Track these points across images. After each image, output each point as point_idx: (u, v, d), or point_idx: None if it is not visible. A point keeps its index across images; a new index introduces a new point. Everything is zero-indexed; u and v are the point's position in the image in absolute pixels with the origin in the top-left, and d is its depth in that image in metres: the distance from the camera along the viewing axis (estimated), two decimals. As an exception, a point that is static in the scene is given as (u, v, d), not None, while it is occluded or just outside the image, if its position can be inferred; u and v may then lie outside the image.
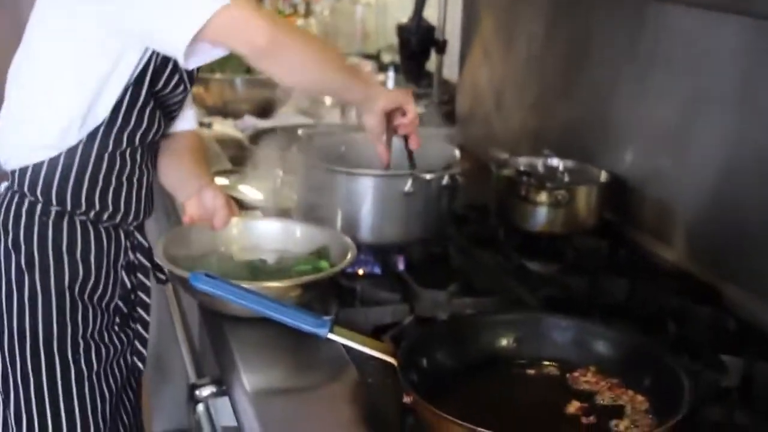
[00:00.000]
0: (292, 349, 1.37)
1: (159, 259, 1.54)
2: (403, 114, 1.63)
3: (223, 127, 2.54)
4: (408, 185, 1.70)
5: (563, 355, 1.31)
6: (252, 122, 2.66)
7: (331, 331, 1.20)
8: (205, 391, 1.49)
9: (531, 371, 1.29)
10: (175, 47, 1.38)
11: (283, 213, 1.99)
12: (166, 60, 1.50)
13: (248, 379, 1.29)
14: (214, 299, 1.33)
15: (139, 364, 1.71)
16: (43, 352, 1.54)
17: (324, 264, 1.59)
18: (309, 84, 1.58)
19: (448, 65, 2.88)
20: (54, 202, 1.53)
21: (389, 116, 1.63)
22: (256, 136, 2.45)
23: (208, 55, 1.44)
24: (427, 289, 1.61)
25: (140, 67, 1.48)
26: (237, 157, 2.38)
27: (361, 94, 1.58)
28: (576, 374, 1.27)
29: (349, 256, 1.55)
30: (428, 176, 1.70)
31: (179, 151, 1.73)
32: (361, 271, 1.70)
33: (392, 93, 1.67)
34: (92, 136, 1.51)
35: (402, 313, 1.55)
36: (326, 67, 1.50)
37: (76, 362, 1.58)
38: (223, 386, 1.44)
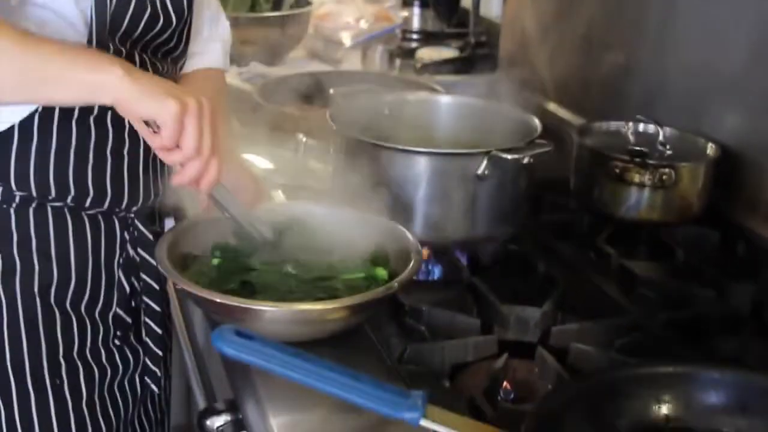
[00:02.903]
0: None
1: (162, 265, 1.17)
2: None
3: (228, 77, 2.10)
4: (482, 167, 1.31)
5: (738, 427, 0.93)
6: (260, 70, 2.23)
7: (425, 415, 0.82)
8: (218, 421, 1.16)
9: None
10: None
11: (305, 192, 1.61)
12: None
13: (271, 408, 1.01)
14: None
15: (153, 386, 1.37)
16: (13, 378, 1.22)
17: (381, 273, 1.20)
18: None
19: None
20: (14, 186, 1.18)
21: None
22: (268, 89, 2.04)
23: None
24: (512, 305, 1.23)
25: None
26: (245, 116, 1.97)
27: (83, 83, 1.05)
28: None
29: (412, 262, 1.16)
30: (509, 156, 1.30)
31: None
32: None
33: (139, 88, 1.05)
34: None
35: (486, 347, 1.17)
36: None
37: (57, 390, 1.24)
38: (240, 415, 1.11)
